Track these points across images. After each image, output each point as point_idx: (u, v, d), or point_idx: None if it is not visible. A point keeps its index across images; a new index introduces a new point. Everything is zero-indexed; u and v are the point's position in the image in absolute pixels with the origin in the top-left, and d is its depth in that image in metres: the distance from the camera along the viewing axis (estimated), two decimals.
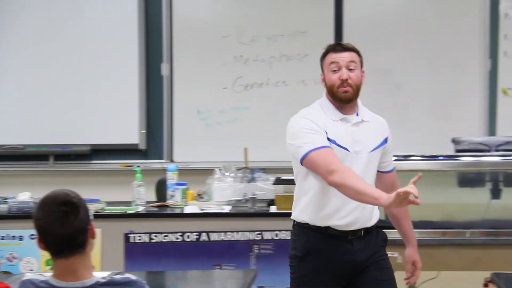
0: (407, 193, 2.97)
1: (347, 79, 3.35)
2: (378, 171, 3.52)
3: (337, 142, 3.34)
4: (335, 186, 3.23)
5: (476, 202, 4.70)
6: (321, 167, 3.26)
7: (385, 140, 3.49)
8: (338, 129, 3.38)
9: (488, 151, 4.70)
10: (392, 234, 3.66)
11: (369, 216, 3.43)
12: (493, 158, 4.64)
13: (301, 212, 3.44)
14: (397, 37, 5.96)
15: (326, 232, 3.39)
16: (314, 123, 3.37)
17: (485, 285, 4.85)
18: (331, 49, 3.44)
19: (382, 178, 3.57)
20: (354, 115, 3.43)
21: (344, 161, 3.32)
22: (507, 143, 4.74)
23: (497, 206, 4.66)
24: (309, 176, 3.41)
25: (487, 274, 4.36)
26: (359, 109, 3.46)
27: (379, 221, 3.51)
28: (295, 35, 6.13)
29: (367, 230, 3.44)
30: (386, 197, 3.08)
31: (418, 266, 3.62)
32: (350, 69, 3.38)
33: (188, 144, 6.17)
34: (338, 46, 3.44)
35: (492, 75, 5.97)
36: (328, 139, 3.34)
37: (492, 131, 5.91)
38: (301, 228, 3.46)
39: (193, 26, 6.18)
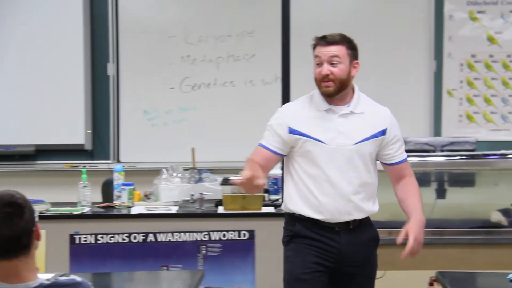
0: None
1: (327, 75, 3.34)
2: (383, 163, 3.53)
3: (311, 135, 3.35)
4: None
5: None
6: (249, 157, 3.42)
7: (383, 132, 3.44)
8: (320, 121, 3.38)
9: (434, 151, 4.75)
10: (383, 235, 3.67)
11: (358, 209, 3.41)
12: (438, 158, 4.70)
13: (289, 201, 3.47)
14: None
15: (313, 222, 3.39)
16: (280, 119, 3.42)
17: (430, 284, 4.90)
18: (318, 42, 3.42)
19: (387, 170, 3.57)
20: (344, 106, 3.41)
21: (321, 153, 3.34)
22: (452, 143, 4.80)
23: (442, 206, 4.72)
24: (291, 168, 3.46)
25: (432, 273, 4.41)
26: (353, 100, 3.44)
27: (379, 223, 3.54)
28: (243, 36, 6.13)
29: (357, 223, 3.42)
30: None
31: (410, 236, 3.42)
32: (333, 64, 3.36)
33: (135, 145, 6.12)
34: (323, 39, 3.40)
35: (437, 76, 6.04)
36: (297, 131, 3.36)
37: (437, 131, 5.98)
38: (289, 216, 3.50)
39: (139, 26, 6.14)
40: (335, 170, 3.36)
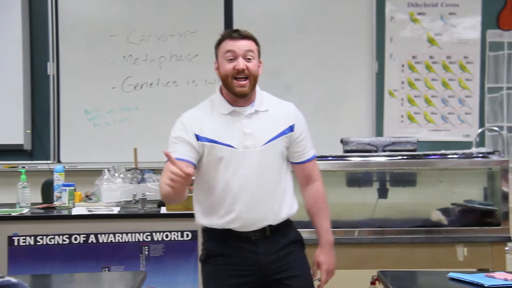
0: None
1: (243, 69, 3.20)
2: (291, 162, 3.40)
3: (219, 140, 3.21)
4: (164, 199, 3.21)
5: (364, 202, 4.79)
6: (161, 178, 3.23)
7: (290, 128, 3.32)
8: (225, 125, 3.24)
9: (376, 151, 4.78)
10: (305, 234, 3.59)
11: (274, 213, 3.27)
12: (380, 158, 4.73)
13: (198, 215, 3.36)
14: (287, 38, 6.02)
15: (228, 233, 3.26)
16: (183, 126, 3.27)
17: (372, 283, 4.95)
18: (227, 36, 3.26)
19: (295, 169, 3.43)
20: (248, 107, 3.28)
21: (231, 158, 3.20)
22: (394, 143, 4.83)
23: (384, 206, 4.76)
24: (198, 178, 3.33)
25: (374, 272, 4.46)
26: (256, 98, 3.30)
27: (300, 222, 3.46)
28: (185, 35, 6.10)
29: (274, 229, 3.29)
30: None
31: (322, 269, 3.45)
32: (248, 59, 3.22)
33: (75, 145, 6.06)
34: (235, 33, 3.25)
35: (379, 77, 6.09)
36: (204, 138, 3.22)
37: (379, 131, 6.03)
38: (204, 231, 3.39)
39: (80, 24, 6.08)
40: (246, 175, 3.21)
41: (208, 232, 3.35)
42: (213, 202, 3.28)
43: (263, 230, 3.27)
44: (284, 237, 3.33)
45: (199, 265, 4.45)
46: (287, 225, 3.36)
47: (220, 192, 3.24)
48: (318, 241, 3.49)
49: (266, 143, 3.25)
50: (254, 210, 3.23)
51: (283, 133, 3.30)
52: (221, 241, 3.29)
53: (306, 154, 3.41)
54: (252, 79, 3.24)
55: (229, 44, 3.23)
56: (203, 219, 3.33)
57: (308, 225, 4.52)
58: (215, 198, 3.26)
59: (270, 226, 3.27)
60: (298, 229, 3.47)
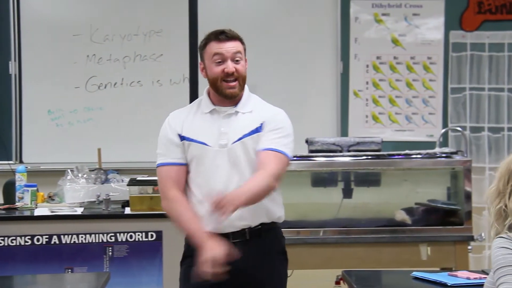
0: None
1: (233, 73, 3.16)
2: None
3: (195, 138, 3.18)
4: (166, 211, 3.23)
5: (329, 202, 4.81)
6: (160, 187, 3.26)
7: (260, 126, 3.19)
8: (204, 123, 3.21)
9: (340, 151, 4.80)
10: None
11: (250, 213, 3.15)
12: (344, 159, 4.76)
13: None
14: (252, 38, 5.95)
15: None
16: (169, 125, 3.24)
17: (337, 282, 4.97)
18: (213, 38, 3.19)
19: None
20: (230, 107, 3.22)
21: (205, 156, 3.16)
22: (358, 143, 4.86)
23: (349, 205, 4.78)
24: None
25: (339, 272, 4.48)
26: (241, 100, 3.24)
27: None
28: (150, 35, 6.08)
29: (255, 232, 3.20)
30: (200, 237, 3.05)
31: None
32: (236, 60, 3.18)
33: (38, 145, 6.01)
34: (222, 34, 3.19)
35: (343, 77, 6.12)
36: (184, 137, 3.20)
37: (344, 132, 6.06)
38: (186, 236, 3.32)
39: (43, 23, 6.04)
40: (221, 174, 3.15)
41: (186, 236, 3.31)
42: (190, 201, 3.23)
43: (242, 232, 3.19)
44: (265, 244, 3.24)
45: (164, 266, 4.46)
46: (270, 231, 3.27)
47: (196, 193, 3.21)
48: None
49: (235, 141, 3.18)
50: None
51: (255, 131, 3.21)
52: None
53: (265, 143, 3.17)
54: (241, 80, 3.20)
55: (216, 47, 3.17)
56: None
57: (293, 225, 4.56)
58: (191, 197, 3.22)
59: (249, 229, 3.19)
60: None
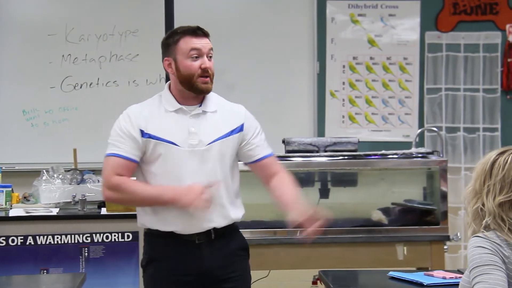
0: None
1: (210, 68, 3.16)
2: (248, 163, 3.33)
3: (163, 137, 3.15)
4: (110, 201, 3.20)
5: (306, 202, 4.81)
6: (104, 177, 3.21)
7: (240, 128, 3.25)
8: (170, 122, 3.18)
9: (317, 151, 4.81)
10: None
11: (218, 214, 3.18)
12: (321, 159, 4.77)
13: (140, 216, 3.27)
14: (228, 38, 6.01)
15: (170, 237, 3.18)
16: (129, 120, 3.20)
17: (314, 282, 4.98)
18: (189, 33, 3.18)
19: (255, 169, 3.35)
20: (195, 106, 3.21)
21: (172, 156, 3.14)
22: (335, 143, 4.87)
23: (326, 206, 4.78)
24: (140, 178, 3.26)
25: (316, 271, 4.48)
26: (206, 100, 3.24)
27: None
28: (126, 35, 6.06)
29: (219, 232, 3.21)
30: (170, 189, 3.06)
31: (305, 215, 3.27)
32: (210, 57, 3.19)
33: (12, 145, 5.96)
34: (199, 30, 3.19)
35: (320, 77, 6.13)
36: (147, 135, 3.15)
37: (320, 132, 6.06)
38: (145, 234, 3.30)
39: (17, 23, 5.99)
40: (189, 174, 3.14)
41: (149, 235, 3.28)
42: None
43: (208, 233, 3.19)
44: (229, 242, 3.26)
45: (140, 268, 4.44)
46: (233, 230, 3.30)
47: None
48: (291, 206, 3.31)
49: (211, 142, 3.18)
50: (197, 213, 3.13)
51: (231, 133, 3.23)
52: (163, 244, 3.21)
53: (262, 151, 3.32)
54: (212, 77, 3.21)
55: (194, 42, 3.17)
56: (143, 219, 3.26)
57: (270, 225, 4.55)
58: None
59: (215, 229, 3.20)
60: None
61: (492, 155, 2.76)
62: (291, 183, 3.35)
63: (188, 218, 3.14)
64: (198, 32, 3.19)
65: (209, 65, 3.18)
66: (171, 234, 3.18)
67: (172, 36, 3.23)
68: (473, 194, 2.73)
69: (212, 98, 3.28)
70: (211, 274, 3.20)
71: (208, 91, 3.20)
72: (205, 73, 3.17)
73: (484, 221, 2.70)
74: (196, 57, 3.17)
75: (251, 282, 3.41)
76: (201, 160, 3.16)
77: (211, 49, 3.21)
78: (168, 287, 3.20)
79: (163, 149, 3.15)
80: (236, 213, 3.28)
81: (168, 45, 3.23)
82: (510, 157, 2.69)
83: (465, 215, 2.79)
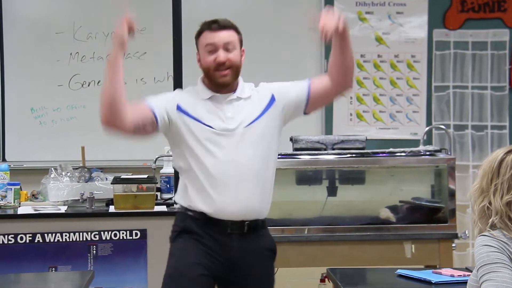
0: None
1: (224, 62, 3.18)
2: (305, 105, 3.34)
3: (202, 120, 3.17)
4: (105, 122, 3.22)
5: (313, 200, 4.82)
6: None
7: (272, 99, 3.29)
8: (207, 108, 3.20)
9: (325, 149, 4.81)
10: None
11: (254, 207, 3.20)
12: (329, 157, 4.76)
13: (179, 196, 3.29)
14: None
15: (204, 218, 3.17)
16: (172, 98, 3.24)
17: (322, 280, 5.00)
18: (206, 27, 3.23)
19: (315, 101, 3.37)
20: (230, 93, 3.24)
21: (211, 139, 3.15)
22: (343, 141, 4.87)
23: (333, 203, 4.79)
24: (182, 157, 3.24)
25: (324, 269, 4.49)
26: (238, 87, 3.28)
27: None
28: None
29: (251, 227, 3.20)
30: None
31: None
32: (228, 49, 3.20)
33: (21, 143, 5.99)
34: (214, 24, 3.22)
35: None
36: (190, 115, 3.17)
37: (328, 130, 6.07)
38: (180, 214, 3.29)
39: (25, 21, 6.02)
40: (226, 159, 3.16)
41: (182, 214, 3.27)
42: (193, 183, 3.20)
43: (241, 225, 3.19)
44: (259, 240, 3.27)
45: (148, 264, 4.45)
46: (264, 228, 3.30)
47: (200, 174, 3.17)
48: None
49: (250, 123, 3.20)
50: (233, 200, 3.15)
51: (266, 110, 3.26)
52: (196, 225, 3.20)
53: (303, 86, 3.37)
54: (235, 68, 3.23)
55: (208, 36, 3.21)
56: (182, 199, 3.27)
57: (278, 223, 4.56)
58: (195, 179, 3.19)
59: (248, 222, 3.19)
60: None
61: (499, 153, 2.75)
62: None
63: (222, 203, 3.14)
64: (213, 26, 3.22)
65: (223, 58, 3.19)
66: (205, 217, 3.17)
67: (197, 31, 3.29)
68: (480, 192, 2.73)
69: (244, 85, 3.32)
70: (237, 267, 3.20)
71: (226, 84, 3.22)
72: (220, 66, 3.19)
73: (491, 220, 2.70)
74: (211, 51, 3.20)
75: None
76: (237, 141, 3.18)
77: (229, 42, 3.23)
78: (196, 257, 3.16)
79: (203, 132, 3.17)
80: (267, 210, 3.29)
81: (195, 39, 3.29)
82: None
83: (471, 213, 2.78)
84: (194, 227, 3.20)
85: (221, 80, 3.21)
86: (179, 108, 3.20)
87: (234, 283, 3.24)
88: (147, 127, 3.18)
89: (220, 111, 3.21)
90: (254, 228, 3.23)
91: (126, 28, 3.16)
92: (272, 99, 3.31)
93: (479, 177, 2.75)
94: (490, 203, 2.69)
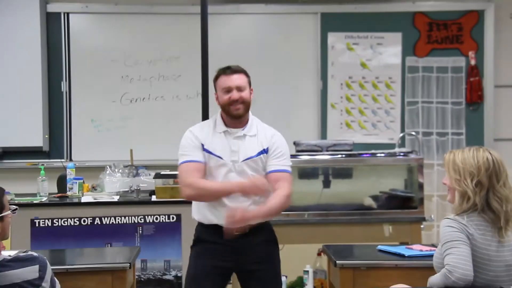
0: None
1: (237, 100, 3.17)
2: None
3: (213, 152, 3.17)
4: (188, 198, 3.14)
5: (312, 191, 4.80)
6: (182, 179, 3.17)
7: (264, 151, 3.21)
8: (219, 140, 3.19)
9: (321, 151, 4.81)
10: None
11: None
12: (324, 157, 4.76)
13: (195, 212, 3.28)
14: (251, 61, 5.89)
15: (215, 229, 3.17)
16: (194, 137, 3.20)
17: (318, 254, 4.97)
18: (222, 73, 3.24)
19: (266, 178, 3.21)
20: (239, 129, 3.22)
21: (219, 167, 3.16)
22: (335, 145, 4.86)
23: (327, 194, 4.78)
24: None
25: (320, 246, 4.48)
26: (248, 124, 3.25)
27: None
28: (170, 60, 6.08)
29: (253, 228, 3.15)
30: (235, 184, 3.04)
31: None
32: (240, 89, 3.19)
33: (83, 147, 6.00)
34: (228, 69, 3.22)
35: (323, 93, 6.11)
36: (205, 149, 3.17)
37: (323, 135, 6.04)
38: (197, 225, 3.30)
39: (87, 51, 6.03)
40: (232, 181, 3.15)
41: (200, 225, 3.27)
42: (204, 204, 3.21)
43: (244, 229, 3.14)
44: (260, 235, 3.22)
45: (182, 241, 4.44)
46: (264, 225, 3.25)
47: None
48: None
49: (245, 159, 3.19)
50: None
51: (258, 154, 3.21)
52: (209, 233, 3.20)
53: (272, 166, 3.21)
54: (246, 104, 3.22)
55: (224, 79, 3.21)
56: (196, 215, 3.27)
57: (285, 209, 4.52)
58: (207, 203, 3.20)
59: (250, 225, 3.16)
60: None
61: (486, 154, 2.72)
62: (271, 202, 3.14)
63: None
64: (227, 71, 3.23)
65: (236, 97, 3.18)
66: (216, 227, 3.17)
67: (215, 75, 3.28)
68: (480, 187, 2.69)
69: (253, 123, 3.27)
70: (245, 259, 3.19)
71: (238, 115, 3.20)
72: (233, 102, 3.18)
73: (464, 205, 2.68)
74: (227, 92, 3.20)
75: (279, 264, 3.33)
76: (239, 172, 3.17)
77: (240, 84, 3.20)
78: (208, 262, 3.18)
79: (213, 161, 3.17)
80: None
81: (214, 82, 3.30)
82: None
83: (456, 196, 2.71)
84: (205, 235, 3.21)
85: (235, 113, 3.20)
86: (203, 148, 3.19)
87: (246, 269, 3.22)
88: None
89: (229, 144, 3.19)
90: (255, 229, 3.17)
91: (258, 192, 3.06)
92: (266, 150, 3.23)
93: (476, 170, 2.70)
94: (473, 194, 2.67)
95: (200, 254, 3.24)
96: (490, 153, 2.73)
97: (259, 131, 3.27)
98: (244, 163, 3.18)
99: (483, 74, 6.12)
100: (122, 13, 6.09)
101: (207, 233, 3.22)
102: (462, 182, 2.70)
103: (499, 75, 6.16)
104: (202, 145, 3.19)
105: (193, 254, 3.29)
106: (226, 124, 3.24)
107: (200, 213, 3.25)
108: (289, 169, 3.27)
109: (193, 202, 3.30)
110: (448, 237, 2.62)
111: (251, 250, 3.20)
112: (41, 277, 2.43)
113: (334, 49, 6.13)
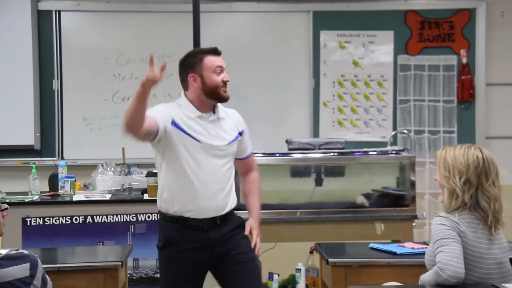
0: None
1: (228, 81, 3.11)
2: (236, 158, 3.23)
3: (191, 134, 3.05)
4: (126, 129, 2.92)
5: (304, 189, 4.80)
6: None
7: (240, 134, 3.20)
8: (194, 125, 3.07)
9: (313, 149, 4.81)
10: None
11: (223, 204, 3.10)
12: (316, 155, 4.76)
13: (161, 203, 3.15)
14: (243, 60, 5.99)
15: (183, 222, 3.06)
16: (168, 110, 3.06)
17: (311, 252, 4.97)
18: (211, 52, 3.11)
19: (238, 163, 3.27)
20: (210, 113, 3.12)
21: (196, 151, 3.04)
22: (327, 143, 4.86)
23: (320, 192, 4.78)
24: (163, 165, 3.13)
25: (312, 244, 4.48)
26: (216, 108, 3.15)
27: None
28: (163, 58, 6.04)
29: (222, 217, 3.10)
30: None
31: (254, 233, 3.20)
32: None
33: (75, 145, 5.98)
34: (216, 49, 3.13)
35: (315, 91, 6.11)
36: (182, 129, 3.03)
37: (315, 133, 6.05)
38: (162, 220, 3.17)
39: (79, 49, 6.00)
40: (208, 170, 3.05)
41: (164, 222, 3.16)
42: (176, 190, 3.08)
43: (214, 220, 3.08)
44: (230, 223, 3.14)
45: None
46: (232, 214, 3.18)
47: (184, 182, 3.06)
48: (249, 214, 3.30)
49: (227, 144, 3.13)
50: (209, 201, 3.06)
51: (236, 138, 3.19)
52: (177, 229, 3.08)
53: (247, 151, 3.28)
54: None
55: (214, 59, 3.09)
56: (164, 205, 3.13)
57: (275, 207, 4.54)
58: (179, 187, 3.07)
59: (219, 216, 3.10)
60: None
61: (477, 152, 2.72)
62: (256, 190, 3.31)
63: (201, 207, 3.05)
64: (218, 51, 3.14)
65: (229, 78, 3.12)
66: (184, 220, 3.07)
67: (195, 56, 3.14)
68: (469, 185, 2.70)
69: (219, 107, 3.19)
70: (219, 249, 3.11)
71: (228, 99, 3.13)
72: (225, 84, 3.11)
73: (454, 204, 2.68)
74: (219, 72, 3.10)
75: (259, 252, 3.27)
76: (217, 158, 3.09)
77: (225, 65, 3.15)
78: (183, 270, 3.09)
79: (191, 144, 3.04)
80: (234, 203, 3.19)
81: (194, 63, 3.12)
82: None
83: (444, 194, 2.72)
84: (175, 235, 3.08)
85: (226, 95, 3.11)
86: (174, 123, 3.05)
87: (223, 258, 3.13)
88: (151, 136, 3.01)
89: (205, 129, 3.09)
90: (224, 219, 3.13)
91: (155, 75, 2.93)
92: (240, 134, 3.22)
93: (465, 168, 2.70)
94: (463, 193, 2.67)
95: (173, 262, 3.10)
96: (481, 151, 2.74)
97: (227, 114, 3.21)
98: (225, 148, 3.11)
99: (474, 72, 6.13)
100: (114, 11, 6.07)
101: (178, 231, 3.08)
102: (451, 180, 2.70)
103: (491, 73, 6.18)
104: (173, 121, 3.04)
105: (164, 262, 3.14)
106: (198, 109, 3.10)
107: (167, 201, 3.09)
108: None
109: (159, 188, 3.16)
110: (440, 235, 2.63)
111: (224, 240, 3.10)
112: (32, 275, 2.42)
113: (326, 47, 6.14)
